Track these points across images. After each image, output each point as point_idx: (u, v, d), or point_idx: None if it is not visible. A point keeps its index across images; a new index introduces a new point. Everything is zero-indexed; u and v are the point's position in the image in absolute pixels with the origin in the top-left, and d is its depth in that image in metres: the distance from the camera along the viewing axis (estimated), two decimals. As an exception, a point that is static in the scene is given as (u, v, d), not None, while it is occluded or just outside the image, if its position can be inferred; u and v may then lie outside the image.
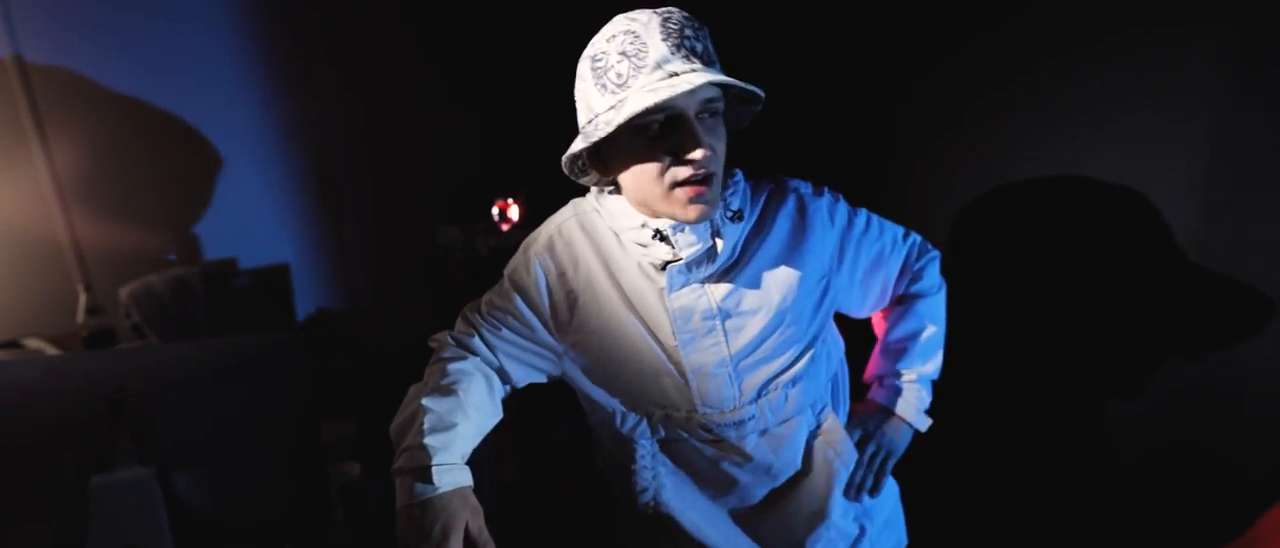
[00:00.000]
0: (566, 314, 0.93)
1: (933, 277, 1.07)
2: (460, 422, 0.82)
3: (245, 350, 1.03)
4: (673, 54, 0.77)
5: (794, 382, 0.94)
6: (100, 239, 1.90)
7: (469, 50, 2.41)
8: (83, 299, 1.69)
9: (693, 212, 0.82)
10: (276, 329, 2.00)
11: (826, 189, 0.98)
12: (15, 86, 1.73)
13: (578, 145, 0.84)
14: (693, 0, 0.90)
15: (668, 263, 0.88)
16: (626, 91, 0.78)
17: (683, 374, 0.92)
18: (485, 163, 2.41)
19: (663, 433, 0.97)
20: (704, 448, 0.97)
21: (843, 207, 0.98)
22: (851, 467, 1.01)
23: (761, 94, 0.81)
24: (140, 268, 1.82)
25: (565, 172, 0.92)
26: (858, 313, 1.09)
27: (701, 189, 0.81)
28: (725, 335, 0.90)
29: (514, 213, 2.13)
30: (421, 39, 2.36)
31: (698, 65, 0.78)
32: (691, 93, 0.77)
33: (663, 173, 0.81)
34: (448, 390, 0.85)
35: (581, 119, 0.87)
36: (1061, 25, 1.22)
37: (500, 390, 0.94)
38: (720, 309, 0.90)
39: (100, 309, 1.72)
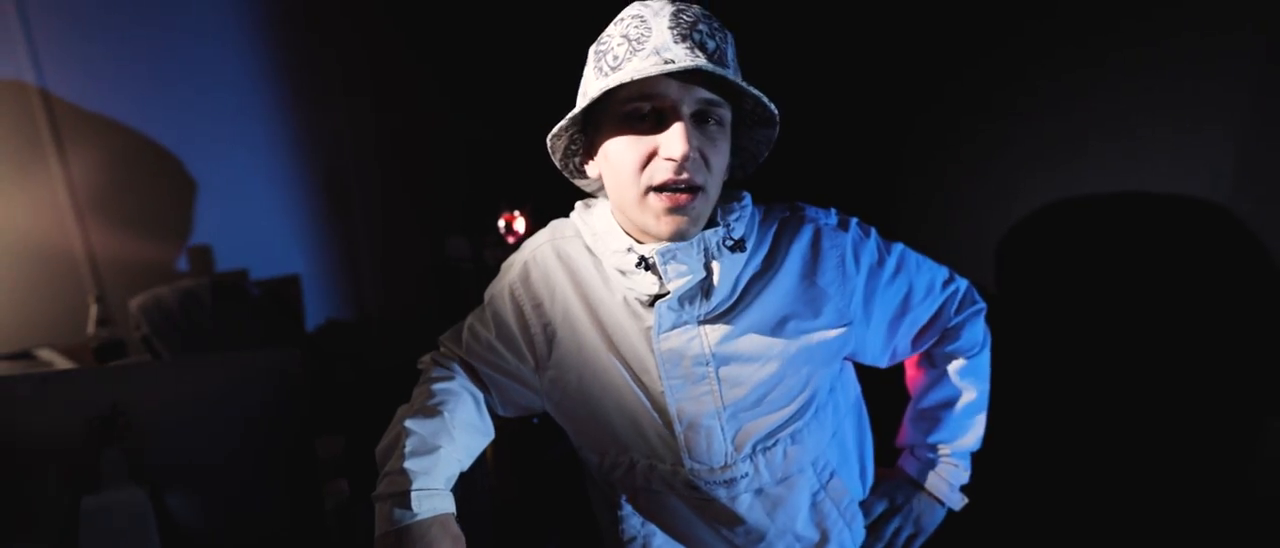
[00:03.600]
0: (545, 349, 0.86)
1: (974, 334, 0.93)
2: (444, 445, 0.78)
3: (242, 366, 1.02)
4: (676, 43, 0.69)
5: (794, 437, 0.84)
6: (115, 250, 1.91)
7: (478, 63, 2.41)
8: (93, 311, 1.70)
9: (666, 225, 0.73)
10: (284, 341, 2.00)
11: (855, 221, 0.86)
12: (33, 98, 1.75)
13: (562, 123, 0.76)
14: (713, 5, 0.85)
15: (656, 298, 0.79)
16: (618, 75, 0.70)
17: (669, 424, 0.82)
18: (493, 175, 2.41)
19: (649, 485, 0.87)
20: (691, 507, 0.87)
21: (872, 244, 0.85)
22: (861, 537, 0.91)
23: (774, 109, 0.73)
24: (154, 279, 1.83)
25: (556, 163, 0.83)
26: (877, 363, 0.93)
27: (680, 199, 0.71)
28: (719, 384, 0.81)
29: (520, 225, 2.12)
30: (431, 52, 2.37)
31: (702, 59, 0.68)
32: (687, 87, 0.69)
33: (640, 170, 0.72)
34: (433, 412, 0.81)
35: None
36: (1076, 37, 1.17)
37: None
38: (714, 354, 0.80)
39: (112, 321, 1.73)
